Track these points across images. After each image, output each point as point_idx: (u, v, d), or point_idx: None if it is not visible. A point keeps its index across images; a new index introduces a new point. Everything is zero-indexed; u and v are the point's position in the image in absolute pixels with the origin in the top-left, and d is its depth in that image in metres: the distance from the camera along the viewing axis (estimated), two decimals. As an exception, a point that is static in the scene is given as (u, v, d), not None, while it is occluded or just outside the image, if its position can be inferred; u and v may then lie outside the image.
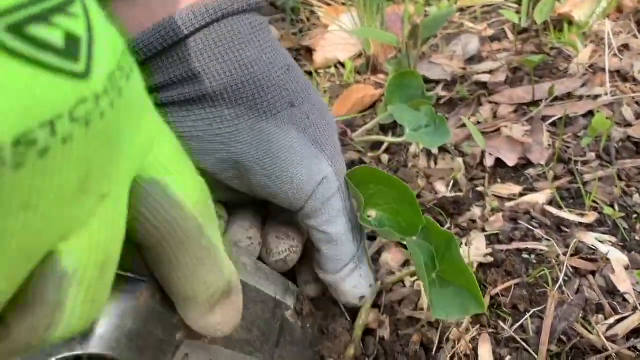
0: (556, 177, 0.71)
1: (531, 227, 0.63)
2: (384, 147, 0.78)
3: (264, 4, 0.42)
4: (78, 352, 0.25)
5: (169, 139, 0.24)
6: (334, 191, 0.45)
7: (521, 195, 0.69)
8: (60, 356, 0.24)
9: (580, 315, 0.52)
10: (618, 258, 0.58)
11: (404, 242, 0.47)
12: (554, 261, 0.58)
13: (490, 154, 0.75)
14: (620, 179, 0.69)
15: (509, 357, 0.49)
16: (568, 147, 0.75)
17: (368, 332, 0.53)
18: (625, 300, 0.55)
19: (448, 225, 0.64)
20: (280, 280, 0.43)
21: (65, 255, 0.19)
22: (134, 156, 0.21)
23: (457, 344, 0.51)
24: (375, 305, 0.55)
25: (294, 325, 0.42)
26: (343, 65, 0.98)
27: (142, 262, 0.26)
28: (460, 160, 0.75)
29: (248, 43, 0.40)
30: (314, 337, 0.46)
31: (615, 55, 0.89)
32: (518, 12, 1.01)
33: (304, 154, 0.43)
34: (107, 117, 0.18)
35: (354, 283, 0.48)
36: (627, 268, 0.57)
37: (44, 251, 0.18)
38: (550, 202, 0.67)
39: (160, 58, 0.39)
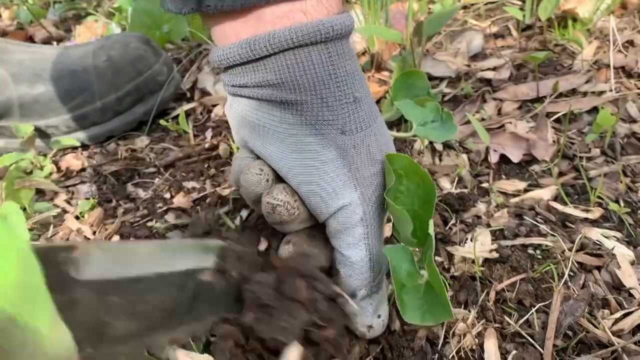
0: (561, 173, 0.71)
1: (536, 223, 0.63)
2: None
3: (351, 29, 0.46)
4: None
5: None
6: (357, 219, 0.46)
7: (526, 191, 0.69)
8: None
9: (586, 310, 0.52)
10: (624, 253, 0.58)
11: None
12: (559, 256, 0.58)
13: (495, 150, 0.75)
14: (625, 174, 0.69)
15: (514, 351, 0.49)
16: (573, 143, 0.75)
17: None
18: (631, 295, 0.55)
19: (453, 221, 0.64)
20: (191, 247, 0.42)
21: None
22: None
23: (463, 338, 0.51)
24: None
25: (215, 283, 0.43)
26: (347, 62, 0.98)
27: None
28: (464, 156, 0.75)
29: (322, 68, 0.44)
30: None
31: (619, 51, 0.89)
32: (522, 9, 1.01)
33: (333, 176, 0.46)
34: None
35: (362, 310, 0.49)
36: (632, 263, 0.57)
37: None
38: (555, 198, 0.67)
39: (250, 64, 0.45)
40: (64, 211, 0.74)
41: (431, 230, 0.45)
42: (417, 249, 0.47)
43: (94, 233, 0.69)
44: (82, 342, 0.30)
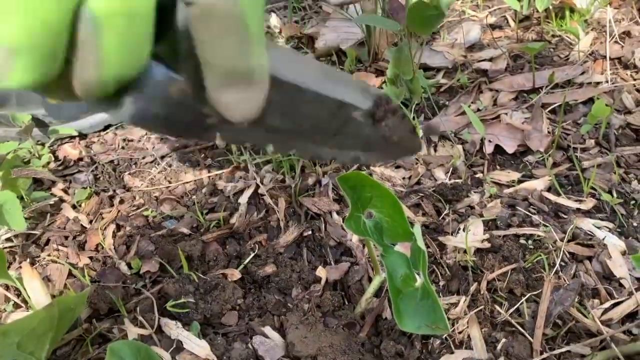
0: (555, 164, 0.71)
1: (529, 213, 0.63)
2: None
3: None
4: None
5: None
6: None
7: (520, 181, 0.69)
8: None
9: (576, 299, 0.53)
10: (615, 244, 0.58)
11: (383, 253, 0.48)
12: (550, 246, 0.58)
13: (490, 141, 0.75)
14: (619, 165, 0.69)
15: (504, 340, 0.50)
16: (567, 134, 0.75)
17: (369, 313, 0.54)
18: (621, 285, 0.55)
19: (446, 211, 0.65)
20: (353, 84, 0.47)
21: (91, 1, 0.23)
22: None
23: (455, 324, 0.51)
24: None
25: (363, 124, 0.45)
26: (344, 53, 0.98)
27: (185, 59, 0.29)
28: (459, 147, 0.75)
29: None
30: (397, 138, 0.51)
31: (616, 42, 0.89)
32: (519, 0, 1.01)
33: None
34: None
35: None
36: (623, 254, 0.58)
37: (72, 3, 0.23)
38: (549, 189, 0.67)
39: None
40: (61, 200, 0.75)
41: (421, 244, 0.46)
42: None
43: (91, 222, 0.70)
44: None
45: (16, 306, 0.59)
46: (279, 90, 0.36)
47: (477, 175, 0.70)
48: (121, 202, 0.73)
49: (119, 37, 0.25)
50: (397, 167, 0.73)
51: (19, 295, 0.60)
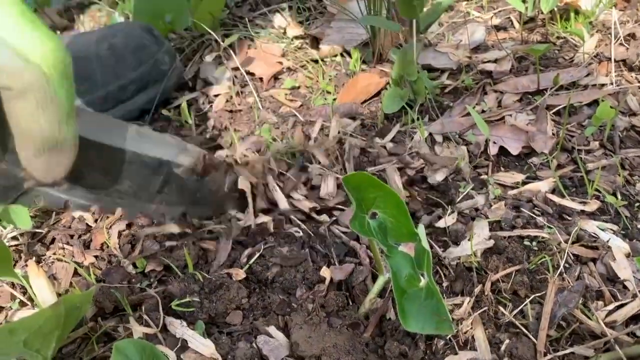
0: (559, 166, 0.71)
1: (533, 215, 0.63)
2: (390, 135, 0.79)
3: None
4: None
5: (9, 5, 0.30)
6: None
7: (524, 183, 0.69)
8: None
9: (580, 301, 0.53)
10: (619, 246, 0.58)
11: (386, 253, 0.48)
12: (555, 248, 0.58)
13: (494, 143, 0.75)
14: (623, 167, 0.69)
15: (508, 341, 0.50)
16: (572, 136, 0.75)
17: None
18: (625, 287, 0.55)
19: (450, 212, 0.65)
20: (173, 145, 0.48)
21: None
22: None
23: (459, 325, 0.52)
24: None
25: (186, 180, 0.50)
26: (349, 53, 0.98)
27: None
28: (464, 148, 0.75)
29: None
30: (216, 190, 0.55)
31: (621, 44, 0.89)
32: (524, 1, 1.01)
33: None
34: None
35: None
36: (628, 256, 0.58)
37: None
38: (553, 191, 0.67)
39: None
40: (67, 199, 0.75)
41: (425, 244, 0.46)
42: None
43: (96, 221, 0.70)
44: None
45: (22, 304, 0.60)
46: (96, 152, 0.37)
47: (481, 177, 0.71)
48: (126, 201, 0.73)
49: None
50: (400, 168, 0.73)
51: (24, 293, 0.60)
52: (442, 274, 0.58)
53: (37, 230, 0.69)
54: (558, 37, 0.96)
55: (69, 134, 0.34)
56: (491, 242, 0.59)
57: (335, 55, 0.99)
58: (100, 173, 0.41)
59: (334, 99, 0.89)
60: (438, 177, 0.71)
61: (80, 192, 0.45)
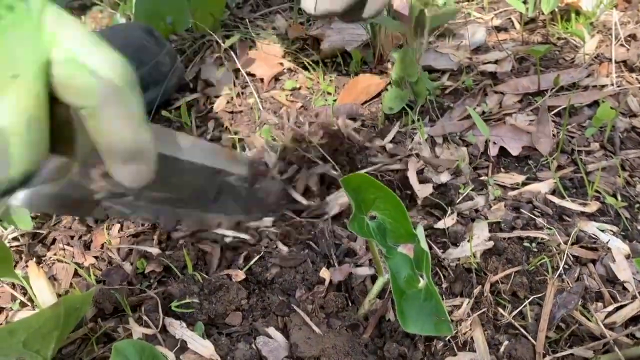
0: (559, 167, 0.71)
1: (533, 216, 0.63)
2: (390, 135, 0.79)
3: None
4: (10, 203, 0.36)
5: (77, 29, 0.32)
6: None
7: (524, 184, 0.69)
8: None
9: (580, 303, 0.53)
10: (619, 247, 0.58)
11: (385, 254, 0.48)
12: (554, 249, 0.58)
13: (495, 143, 0.75)
14: (623, 168, 0.69)
15: (507, 342, 0.50)
16: (572, 137, 0.75)
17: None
18: (625, 288, 0.55)
19: (450, 213, 0.65)
20: (225, 155, 0.51)
21: None
22: (39, 48, 0.30)
23: (458, 326, 0.52)
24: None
25: (239, 188, 0.52)
26: (349, 54, 0.98)
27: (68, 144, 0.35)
28: (464, 149, 0.75)
29: None
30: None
31: (621, 45, 0.89)
32: (525, 2, 1.01)
33: None
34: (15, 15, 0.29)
35: None
36: (627, 257, 0.58)
37: None
38: (553, 192, 0.67)
39: None
40: (67, 200, 0.75)
41: (424, 245, 0.46)
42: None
43: (96, 222, 0.70)
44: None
45: (22, 305, 0.60)
46: (157, 163, 0.39)
47: (481, 178, 0.71)
48: (127, 202, 0.74)
49: (22, 141, 0.30)
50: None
51: (25, 294, 0.60)
52: (441, 275, 0.58)
53: (38, 231, 0.69)
54: (559, 38, 0.96)
55: (146, 138, 0.36)
56: (491, 244, 0.59)
57: (336, 56, 0.99)
58: (161, 183, 0.43)
59: (335, 100, 0.89)
60: (442, 178, 0.71)
61: (144, 203, 0.47)
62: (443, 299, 0.54)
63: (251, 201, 0.57)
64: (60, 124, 0.34)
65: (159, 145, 0.42)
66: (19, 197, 0.37)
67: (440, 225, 0.64)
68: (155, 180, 0.39)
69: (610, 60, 0.85)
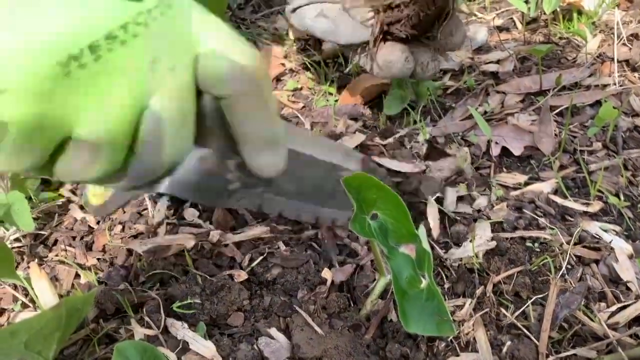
0: (562, 167, 0.71)
1: (535, 216, 0.63)
2: (391, 136, 0.79)
3: None
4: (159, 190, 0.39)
5: (218, 25, 0.34)
6: None
7: (526, 184, 0.69)
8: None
9: (583, 303, 0.53)
10: (622, 247, 0.58)
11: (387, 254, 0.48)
12: (557, 249, 0.58)
13: (497, 143, 0.75)
14: (626, 168, 0.69)
15: (509, 342, 0.50)
16: (574, 137, 0.75)
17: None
18: (628, 288, 0.55)
19: (453, 214, 0.65)
20: (341, 151, 0.53)
21: (154, 102, 0.30)
22: (189, 40, 0.32)
23: (461, 326, 0.51)
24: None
25: None
26: (351, 55, 0.98)
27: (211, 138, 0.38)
28: (466, 149, 0.75)
29: None
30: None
31: (624, 44, 0.89)
32: (527, 2, 1.01)
33: None
34: (159, 21, 0.30)
35: None
36: (630, 257, 0.57)
37: (139, 106, 0.30)
38: (556, 192, 0.67)
39: None
40: (69, 201, 0.75)
41: (426, 245, 0.46)
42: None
43: (98, 222, 0.70)
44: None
45: (24, 306, 0.60)
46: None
47: (483, 178, 0.70)
48: (127, 202, 0.74)
49: (177, 131, 0.32)
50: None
51: (26, 295, 0.60)
52: (443, 275, 0.58)
53: (39, 232, 0.69)
54: (561, 38, 0.96)
55: (280, 129, 0.38)
56: (493, 244, 0.59)
57: (338, 57, 0.99)
58: (287, 175, 0.44)
59: (336, 101, 0.89)
60: (440, 178, 0.71)
61: (272, 195, 0.49)
62: (445, 300, 0.54)
63: None
64: (201, 116, 0.36)
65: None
66: (164, 184, 0.39)
67: (442, 226, 0.63)
68: (284, 173, 0.41)
69: (613, 59, 0.85)
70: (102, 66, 0.27)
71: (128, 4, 0.29)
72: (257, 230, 0.64)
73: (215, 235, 0.64)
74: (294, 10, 0.69)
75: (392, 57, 0.62)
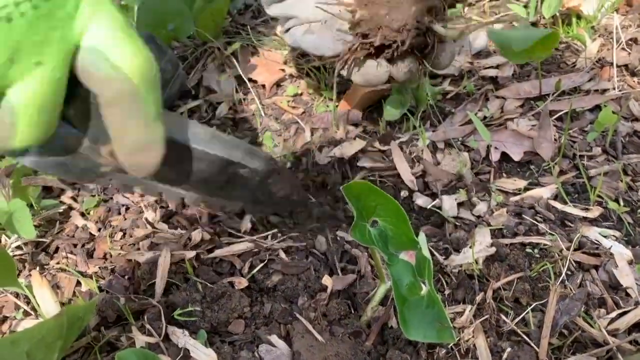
0: (561, 172, 0.71)
1: (535, 222, 0.63)
2: (391, 141, 0.79)
3: None
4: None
5: (111, 20, 0.34)
6: None
7: (526, 189, 0.69)
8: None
9: (582, 309, 0.53)
10: (621, 252, 0.58)
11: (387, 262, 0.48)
12: (557, 255, 0.58)
13: (496, 148, 0.75)
14: (625, 173, 0.69)
15: (509, 349, 0.50)
16: (574, 142, 0.75)
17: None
18: (627, 294, 0.55)
19: (453, 220, 0.65)
20: (241, 148, 0.54)
21: (10, 94, 0.32)
22: (68, 36, 0.33)
23: (461, 333, 0.52)
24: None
25: (250, 180, 0.56)
26: (351, 60, 0.98)
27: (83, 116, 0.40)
28: (466, 154, 0.75)
29: None
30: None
31: (623, 49, 0.89)
32: (526, 7, 1.01)
33: None
34: (28, 15, 0.30)
35: None
36: (630, 263, 0.57)
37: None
38: (555, 197, 0.67)
39: None
40: (70, 208, 0.75)
41: (426, 252, 0.46)
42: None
43: (99, 229, 0.70)
44: None
45: (26, 314, 0.60)
46: (171, 149, 0.42)
47: (483, 183, 0.70)
48: (128, 209, 0.74)
49: (31, 120, 0.34)
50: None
51: (28, 303, 0.61)
52: (443, 281, 0.58)
53: (40, 240, 0.69)
54: (560, 42, 0.96)
55: (156, 136, 0.39)
56: (493, 250, 0.59)
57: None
58: (171, 167, 0.47)
59: (336, 106, 0.89)
60: (440, 183, 0.71)
61: (149, 180, 0.51)
62: (445, 306, 0.54)
63: (261, 194, 0.60)
64: (78, 100, 0.38)
65: (176, 132, 0.48)
66: (28, 160, 0.42)
67: (442, 231, 0.63)
68: (165, 163, 0.42)
69: (612, 64, 0.85)
70: None
71: None
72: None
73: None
74: (287, 30, 0.71)
75: (366, 69, 0.63)
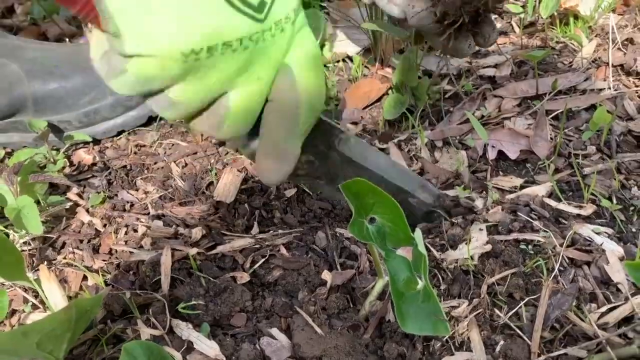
0: (557, 170, 0.72)
1: (530, 219, 0.65)
2: (390, 140, 0.80)
3: None
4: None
5: (308, 50, 0.45)
6: None
7: (522, 187, 0.70)
8: None
9: (574, 304, 0.55)
10: (613, 249, 0.60)
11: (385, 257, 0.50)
12: (550, 252, 0.60)
13: (493, 147, 0.76)
14: (619, 172, 0.70)
15: (502, 342, 0.52)
16: (569, 141, 0.76)
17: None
18: (618, 290, 0.57)
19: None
20: (416, 180, 0.63)
21: (231, 94, 0.43)
22: (280, 60, 0.44)
23: (456, 326, 0.53)
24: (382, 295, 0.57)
25: (417, 210, 0.64)
26: (351, 59, 1.00)
27: None
28: (463, 153, 0.77)
29: None
30: None
31: (619, 49, 0.90)
32: (524, 6, 1.02)
33: None
34: (268, 41, 0.40)
35: None
36: (621, 259, 0.59)
37: (221, 92, 0.42)
38: (550, 195, 0.69)
39: None
40: (76, 204, 0.77)
41: (422, 248, 0.47)
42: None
43: (105, 226, 0.72)
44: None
45: (34, 307, 0.62)
46: (354, 168, 0.54)
47: (480, 181, 0.72)
48: (133, 206, 0.76)
49: (236, 116, 0.44)
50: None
51: (36, 296, 0.62)
52: (439, 277, 0.59)
53: (48, 235, 0.71)
54: (557, 42, 0.97)
55: (291, 150, 0.48)
56: (488, 246, 0.61)
57: (338, 61, 1.01)
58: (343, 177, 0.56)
59: (336, 105, 0.91)
60: (438, 181, 0.72)
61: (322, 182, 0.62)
62: (441, 300, 0.56)
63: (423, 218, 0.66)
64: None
65: (359, 157, 0.59)
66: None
67: (438, 228, 0.65)
68: (344, 173, 0.52)
69: (608, 64, 0.86)
70: (209, 62, 0.38)
71: (252, 24, 0.38)
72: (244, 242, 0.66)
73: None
74: None
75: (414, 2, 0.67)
